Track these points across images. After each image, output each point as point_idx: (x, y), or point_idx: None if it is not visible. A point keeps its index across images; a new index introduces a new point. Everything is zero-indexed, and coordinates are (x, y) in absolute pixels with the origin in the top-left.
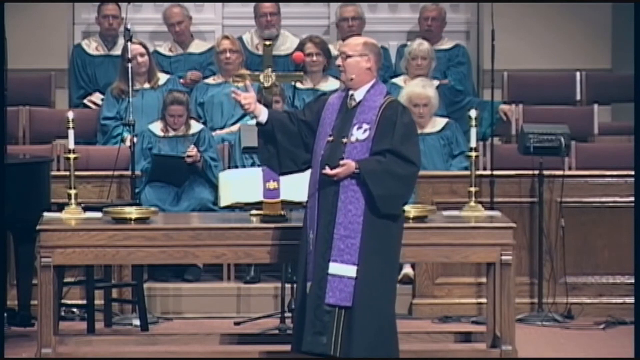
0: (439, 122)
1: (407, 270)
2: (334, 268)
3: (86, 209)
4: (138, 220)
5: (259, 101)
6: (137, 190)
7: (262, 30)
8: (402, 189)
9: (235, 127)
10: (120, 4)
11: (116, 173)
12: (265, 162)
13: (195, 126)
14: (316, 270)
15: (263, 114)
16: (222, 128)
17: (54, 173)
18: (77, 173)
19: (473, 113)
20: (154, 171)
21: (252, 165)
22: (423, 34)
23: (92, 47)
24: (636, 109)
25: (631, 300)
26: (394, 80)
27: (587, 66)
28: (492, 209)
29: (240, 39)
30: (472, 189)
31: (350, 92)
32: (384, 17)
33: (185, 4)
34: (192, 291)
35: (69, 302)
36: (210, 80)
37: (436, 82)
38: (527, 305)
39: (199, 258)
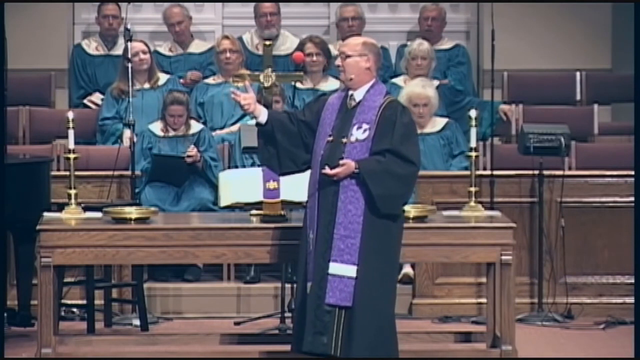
0: (439, 122)
1: (407, 270)
2: (334, 268)
3: (86, 209)
4: (138, 220)
5: (259, 101)
6: (137, 190)
7: (262, 30)
8: (402, 189)
9: (235, 127)
10: (120, 4)
11: (116, 173)
12: (265, 162)
13: (195, 126)
14: (316, 270)
15: (263, 115)
16: (222, 128)
17: (54, 173)
18: (77, 173)
19: (473, 113)
20: (154, 171)
21: (252, 165)
22: (423, 34)
23: (92, 47)
24: (636, 109)
25: (631, 300)
26: (394, 80)
27: (587, 66)
28: (492, 209)
29: (240, 39)
30: (472, 189)
31: (350, 92)
32: (384, 17)
33: (185, 4)
34: (192, 291)
35: (69, 302)
36: (210, 80)
37: (436, 82)
38: (527, 305)
39: (199, 258)
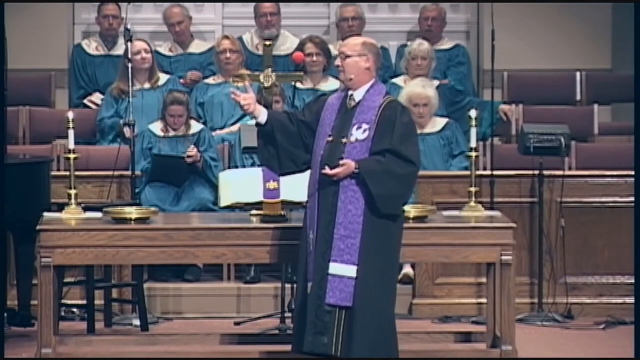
0: (439, 122)
1: (407, 270)
2: (334, 268)
3: (86, 209)
4: (138, 220)
5: (259, 101)
6: (137, 190)
7: (262, 30)
8: (402, 189)
9: (235, 127)
10: (120, 4)
11: (116, 173)
12: (265, 162)
13: (195, 126)
14: (316, 271)
15: (262, 115)
16: (222, 128)
17: (54, 173)
18: (77, 173)
19: (473, 113)
20: (154, 171)
21: (252, 165)
22: (423, 34)
23: (92, 47)
24: (636, 109)
25: (631, 300)
26: (394, 80)
27: (587, 66)
28: (492, 209)
29: (240, 39)
30: (472, 189)
31: (350, 92)
32: (384, 17)
33: (185, 4)
34: (192, 291)
35: (69, 302)
36: (210, 80)
37: (436, 82)
38: (527, 305)
39: (199, 258)
